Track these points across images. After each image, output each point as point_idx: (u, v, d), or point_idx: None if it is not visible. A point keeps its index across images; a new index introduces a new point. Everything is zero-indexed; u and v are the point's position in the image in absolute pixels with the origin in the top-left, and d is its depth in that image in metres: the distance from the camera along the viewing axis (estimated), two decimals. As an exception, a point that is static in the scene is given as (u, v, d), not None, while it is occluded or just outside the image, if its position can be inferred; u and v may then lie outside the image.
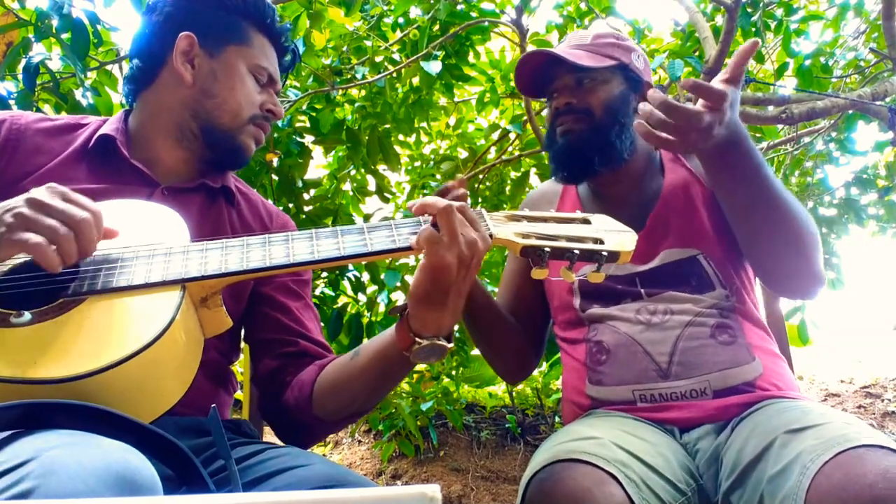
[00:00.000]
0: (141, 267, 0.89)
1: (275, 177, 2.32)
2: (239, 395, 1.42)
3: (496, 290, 2.74)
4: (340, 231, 0.96)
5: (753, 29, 2.68)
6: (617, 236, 0.97)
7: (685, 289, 1.27)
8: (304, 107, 2.41)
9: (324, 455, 2.30)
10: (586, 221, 1.00)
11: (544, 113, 3.13)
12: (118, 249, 0.92)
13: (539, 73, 1.41)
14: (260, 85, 1.18)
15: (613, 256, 0.94)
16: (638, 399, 1.23)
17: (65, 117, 1.19)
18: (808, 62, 2.80)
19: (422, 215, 0.94)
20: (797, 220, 1.18)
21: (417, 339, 0.94)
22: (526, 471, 1.08)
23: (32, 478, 0.59)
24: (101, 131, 1.13)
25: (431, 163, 3.14)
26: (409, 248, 0.93)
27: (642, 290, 1.29)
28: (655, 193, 1.37)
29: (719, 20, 2.80)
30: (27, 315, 0.81)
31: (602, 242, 0.95)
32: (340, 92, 2.42)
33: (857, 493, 0.85)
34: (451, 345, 0.96)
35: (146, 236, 0.95)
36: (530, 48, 2.48)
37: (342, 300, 2.51)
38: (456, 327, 1.45)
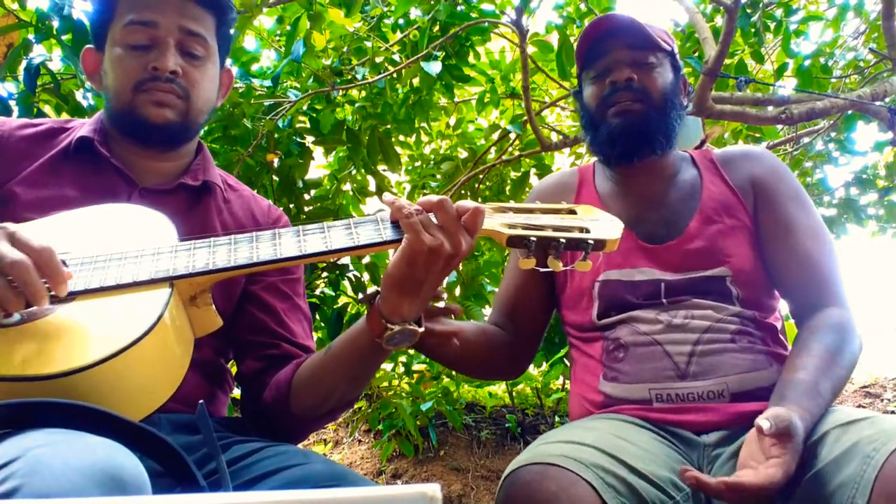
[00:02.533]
0: (129, 267, 0.90)
1: (275, 177, 2.32)
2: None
3: (496, 289, 2.76)
4: (327, 226, 0.97)
5: (753, 29, 2.68)
6: (603, 225, 0.97)
7: (707, 297, 1.25)
8: (305, 107, 2.41)
9: (324, 454, 2.31)
10: (572, 212, 1.01)
11: (544, 113, 3.13)
12: (106, 252, 0.93)
13: (592, 44, 1.36)
14: (140, 48, 1.10)
15: (600, 245, 0.95)
16: (654, 399, 1.20)
17: (49, 121, 1.20)
18: (807, 62, 2.80)
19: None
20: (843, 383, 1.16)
21: (389, 325, 0.95)
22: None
23: (18, 476, 0.59)
24: (79, 133, 1.14)
25: (431, 163, 3.14)
26: (395, 241, 0.94)
27: (665, 301, 1.27)
28: (690, 202, 1.34)
29: (719, 21, 2.80)
30: (16, 316, 0.81)
31: (588, 231, 0.95)
32: (341, 92, 2.42)
33: None
34: (421, 328, 0.97)
35: (135, 239, 0.95)
36: (531, 49, 2.48)
37: (342, 300, 2.52)
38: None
